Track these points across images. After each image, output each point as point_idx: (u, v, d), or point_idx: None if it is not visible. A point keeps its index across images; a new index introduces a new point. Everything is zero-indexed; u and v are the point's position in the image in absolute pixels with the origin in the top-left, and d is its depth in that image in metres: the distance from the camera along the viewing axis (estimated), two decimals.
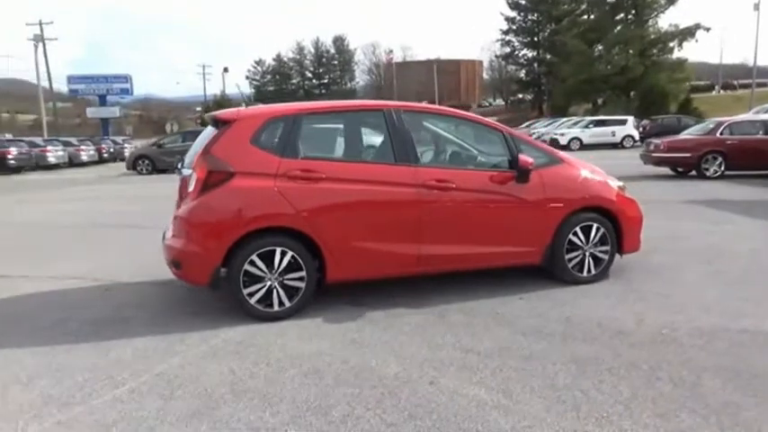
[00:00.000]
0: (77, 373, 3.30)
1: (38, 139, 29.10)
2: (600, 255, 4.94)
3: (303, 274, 4.17)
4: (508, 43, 66.48)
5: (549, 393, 2.93)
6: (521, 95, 72.36)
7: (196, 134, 21.64)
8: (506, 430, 2.59)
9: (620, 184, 5.19)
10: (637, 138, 27.56)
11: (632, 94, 45.88)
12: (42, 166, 25.87)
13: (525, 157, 4.54)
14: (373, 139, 4.57)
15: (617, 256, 5.07)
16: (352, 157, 4.47)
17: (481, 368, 3.26)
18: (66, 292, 5.07)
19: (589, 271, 4.92)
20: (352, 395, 2.96)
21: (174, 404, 2.88)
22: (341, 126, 4.59)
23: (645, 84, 42.82)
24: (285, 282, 4.14)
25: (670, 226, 7.31)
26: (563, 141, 27.42)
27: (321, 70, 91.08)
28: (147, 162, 21.51)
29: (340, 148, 4.56)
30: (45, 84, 42.89)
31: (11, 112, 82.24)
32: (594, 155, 22.50)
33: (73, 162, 28.35)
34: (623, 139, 27.92)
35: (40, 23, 41.54)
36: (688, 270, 5.27)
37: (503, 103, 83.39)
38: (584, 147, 27.39)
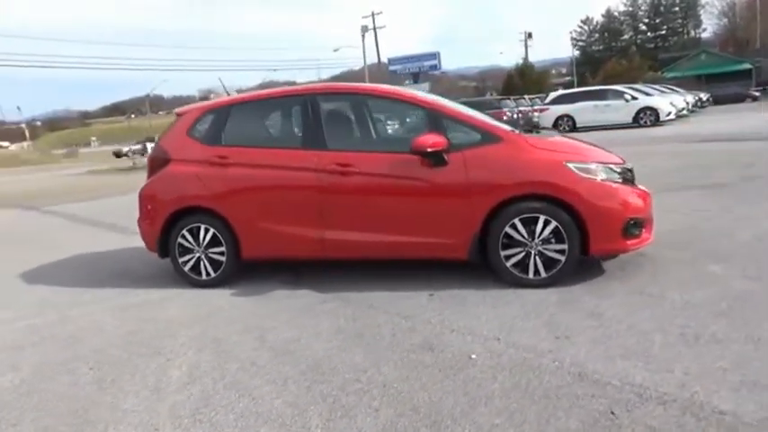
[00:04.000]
0: (30, 306, 4.63)
1: None
2: (553, 255, 3.99)
3: (223, 249, 4.68)
4: None
5: (195, 377, 2.94)
6: None
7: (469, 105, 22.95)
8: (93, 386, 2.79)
9: (590, 166, 3.98)
10: None
11: None
12: None
13: (423, 139, 4.01)
14: (289, 124, 4.65)
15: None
16: (265, 143, 4.68)
17: (220, 349, 3.41)
18: (134, 249, 6.47)
19: (537, 273, 4.03)
20: (102, 350, 3.55)
21: (18, 338, 3.90)
22: (263, 114, 4.83)
23: None
24: (209, 255, 4.73)
25: None
26: None
27: (658, 20, 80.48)
28: None
29: (258, 134, 4.81)
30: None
31: None
32: None
33: None
34: None
35: (372, 15, 48.30)
36: (707, 285, 3.78)
37: None
38: None
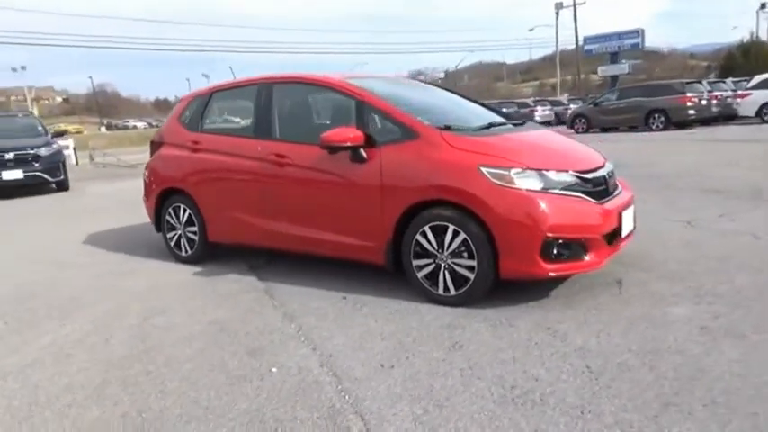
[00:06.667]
0: (44, 264, 5.41)
1: (529, 100, 32.76)
2: (463, 271, 3.49)
3: (195, 229, 4.97)
4: None
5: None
6: None
7: (630, 90, 19.89)
8: None
9: (505, 172, 3.32)
10: None
11: None
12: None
13: (332, 132, 3.75)
14: (249, 113, 4.65)
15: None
16: (229, 131, 4.77)
17: (105, 323, 3.59)
18: None
19: (447, 290, 3.57)
20: (33, 309, 4.05)
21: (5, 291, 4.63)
22: (234, 101, 4.91)
23: None
24: (187, 233, 5.06)
25: None
26: None
27: None
28: (582, 121, 21.68)
29: (226, 122, 4.91)
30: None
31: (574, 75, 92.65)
32: None
33: (560, 120, 30.07)
34: None
35: None
36: (638, 331, 2.97)
37: None
38: None
